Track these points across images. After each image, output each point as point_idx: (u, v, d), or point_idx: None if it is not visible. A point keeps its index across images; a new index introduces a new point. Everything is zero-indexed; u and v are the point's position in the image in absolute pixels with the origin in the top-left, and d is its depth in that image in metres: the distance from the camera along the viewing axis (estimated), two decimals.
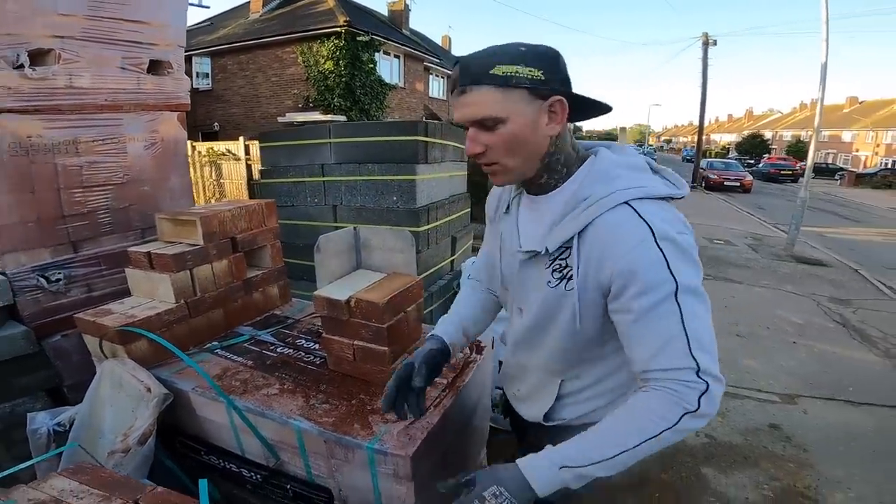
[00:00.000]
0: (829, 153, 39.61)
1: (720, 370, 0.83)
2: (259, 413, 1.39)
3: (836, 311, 5.12)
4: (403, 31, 19.04)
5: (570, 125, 0.96)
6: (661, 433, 0.81)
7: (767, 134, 50.70)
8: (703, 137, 21.61)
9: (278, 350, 1.73)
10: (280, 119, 14.57)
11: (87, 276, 1.98)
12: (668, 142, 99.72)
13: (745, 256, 7.71)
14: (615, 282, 0.86)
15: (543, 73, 0.84)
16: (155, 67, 2.11)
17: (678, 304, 0.82)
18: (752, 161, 35.16)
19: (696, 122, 21.46)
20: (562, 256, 0.94)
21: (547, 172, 0.94)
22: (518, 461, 0.91)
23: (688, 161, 36.26)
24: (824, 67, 7.86)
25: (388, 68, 16.16)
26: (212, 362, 1.62)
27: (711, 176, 19.58)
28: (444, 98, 22.28)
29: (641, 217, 0.84)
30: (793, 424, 2.90)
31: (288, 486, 1.47)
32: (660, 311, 0.83)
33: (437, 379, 1.52)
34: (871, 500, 2.26)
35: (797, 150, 37.94)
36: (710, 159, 24.66)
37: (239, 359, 1.66)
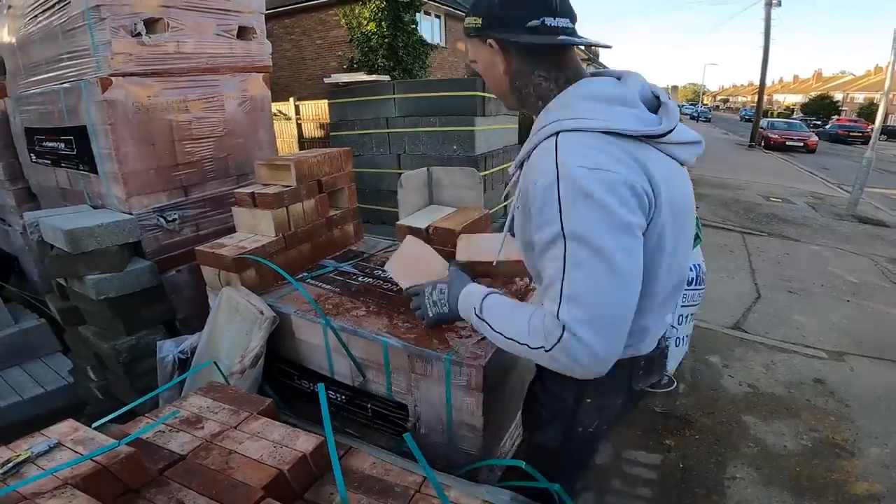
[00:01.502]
0: None
1: (607, 332, 0.81)
2: (351, 332, 1.58)
3: (894, 271, 4.94)
4: None
5: (543, 64, 0.95)
6: (522, 343, 0.90)
7: (838, 96, 46.74)
8: (766, 98, 20.24)
9: (360, 279, 1.95)
10: (325, 80, 14.72)
11: (196, 216, 2.28)
12: (725, 101, 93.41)
13: (804, 215, 7.43)
14: (529, 207, 0.89)
15: (482, 19, 0.94)
16: (242, 33, 2.31)
17: (564, 249, 0.81)
18: (818, 122, 32.67)
19: (757, 83, 20.08)
20: (516, 181, 1.03)
21: (524, 104, 1.01)
22: (467, 286, 1.11)
23: (746, 121, 34.07)
24: None
25: (430, 28, 15.90)
26: (306, 289, 1.82)
27: (772, 135, 18.43)
28: None
29: (556, 150, 0.83)
30: (837, 380, 2.93)
31: (368, 406, 1.65)
32: (548, 252, 0.85)
33: None
34: None
35: (869, 112, 34.75)
36: (771, 119, 23.13)
37: (328, 287, 1.88)
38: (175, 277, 2.23)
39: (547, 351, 0.84)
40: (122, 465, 0.93)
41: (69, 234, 1.91)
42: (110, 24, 1.87)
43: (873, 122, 8.26)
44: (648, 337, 1.05)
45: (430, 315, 1.22)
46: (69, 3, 1.95)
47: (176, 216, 2.18)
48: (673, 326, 1.18)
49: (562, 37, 0.90)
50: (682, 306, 2.57)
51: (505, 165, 3.51)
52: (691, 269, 2.55)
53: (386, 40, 13.52)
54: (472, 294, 1.07)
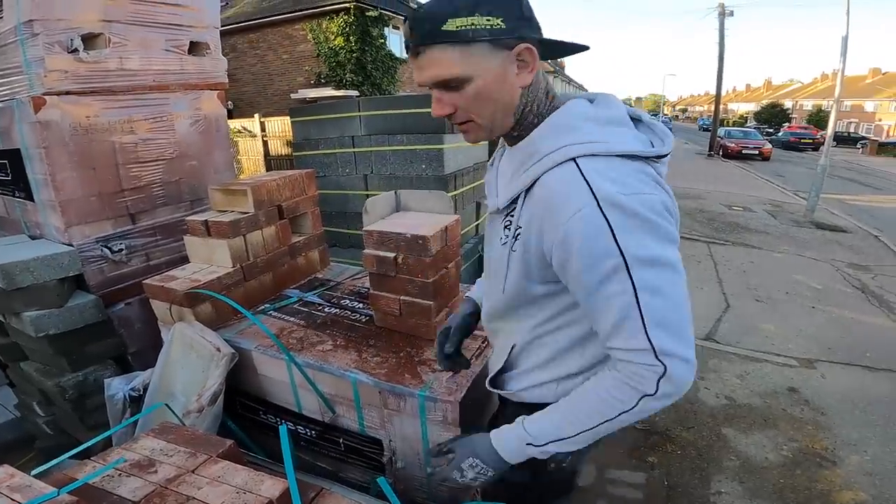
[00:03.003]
0: (850, 122, 38.47)
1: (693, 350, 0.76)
2: (317, 367, 1.51)
3: (855, 276, 5.11)
4: (411, 4, 18.69)
5: (542, 72, 0.84)
6: (618, 416, 0.80)
7: (787, 103, 49.27)
8: (721, 107, 21.10)
9: (326, 310, 1.86)
10: (293, 95, 14.56)
11: (146, 245, 2.12)
12: (684, 111, 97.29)
13: (764, 222, 7.66)
14: (555, 254, 0.78)
15: (504, 19, 0.74)
16: (195, 48, 2.19)
17: (631, 278, 0.72)
18: (770, 130, 34.29)
19: (713, 92, 20.96)
20: (511, 213, 0.87)
21: (521, 125, 0.86)
22: (491, 434, 0.95)
23: (704, 130, 35.46)
24: (845, 40, 7.90)
25: (399, 42, 15.96)
26: (267, 323, 1.75)
27: (729, 144, 19.19)
28: None
29: (585, 178, 0.73)
30: (811, 388, 2.97)
31: (340, 440, 1.59)
32: (609, 288, 0.74)
33: (476, 332, 1.65)
34: (886, 463, 2.32)
35: (818, 119, 36.87)
36: (727, 128, 24.12)
37: (292, 319, 1.79)
38: (124, 311, 2.07)
39: (652, 395, 0.76)
40: None
41: (2, 269, 1.75)
42: (44, 40, 1.73)
43: (822, 129, 8.71)
44: None
45: (476, 483, 0.99)
46: (1, 17, 1.81)
47: (122, 246, 2.02)
48: None
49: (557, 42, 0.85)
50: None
51: (476, 183, 3.45)
52: None
53: (354, 55, 13.50)
54: (507, 436, 0.93)
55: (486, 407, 1.61)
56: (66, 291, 1.92)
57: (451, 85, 0.79)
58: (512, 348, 1.00)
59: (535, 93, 0.83)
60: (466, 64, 0.76)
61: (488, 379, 1.08)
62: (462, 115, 0.83)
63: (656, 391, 0.75)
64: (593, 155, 0.76)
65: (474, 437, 0.99)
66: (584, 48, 0.89)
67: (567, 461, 1.03)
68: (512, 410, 1.03)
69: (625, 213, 0.72)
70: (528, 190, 0.82)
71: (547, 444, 0.87)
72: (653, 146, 0.82)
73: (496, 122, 0.84)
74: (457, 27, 0.73)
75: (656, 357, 0.74)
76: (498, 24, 0.74)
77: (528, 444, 0.88)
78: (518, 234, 0.85)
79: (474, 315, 1.23)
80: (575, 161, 0.76)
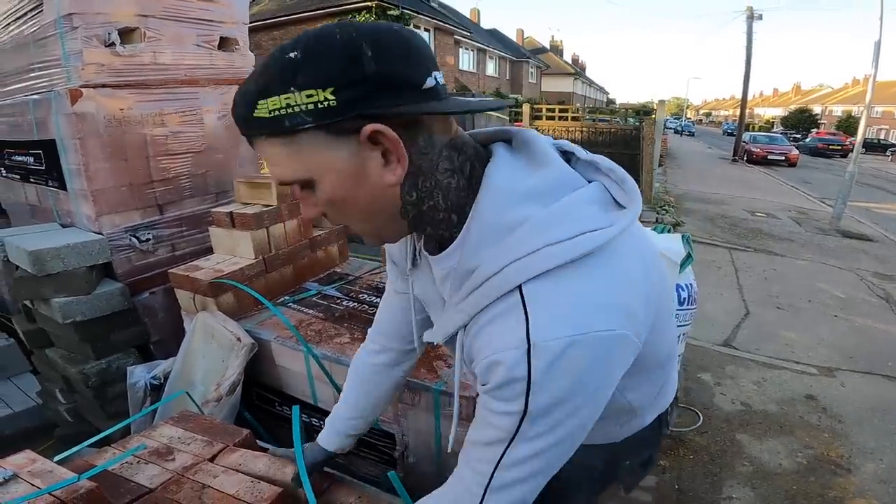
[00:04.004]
0: (881, 129, 37.40)
1: None
2: (335, 360, 1.53)
3: (880, 286, 4.98)
4: (432, 4, 18.75)
5: (438, 142, 0.58)
6: None
7: (816, 109, 48.06)
8: (747, 111, 20.69)
9: (344, 303, 1.89)
10: None
11: (172, 236, 2.18)
12: (708, 115, 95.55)
13: (788, 230, 7.49)
14: (480, 371, 0.59)
15: (334, 90, 0.49)
16: (224, 44, 2.25)
17: (517, 430, 0.57)
18: (798, 136, 33.51)
19: (738, 96, 20.54)
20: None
21: (427, 226, 0.63)
22: None
23: (729, 134, 34.77)
24: (878, 45, 7.68)
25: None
26: (287, 314, 1.77)
27: (754, 149, 18.78)
28: (475, 71, 21.97)
29: (526, 315, 0.54)
30: (829, 396, 2.91)
31: None
32: (490, 420, 0.59)
33: None
34: None
35: (847, 125, 35.81)
36: (753, 133, 23.64)
37: (310, 311, 1.82)
38: (149, 300, 2.13)
39: None
40: (81, 501, 0.87)
41: (34, 255, 1.81)
42: (82, 34, 1.80)
43: (851, 135, 8.47)
44: (671, 384, 0.90)
45: None
46: (42, 11, 1.87)
47: (150, 236, 2.09)
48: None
49: (459, 99, 0.66)
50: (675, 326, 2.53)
51: None
52: (683, 289, 2.53)
53: None
54: None
55: None
56: (95, 279, 1.97)
57: (300, 186, 0.58)
58: None
59: (426, 184, 0.58)
60: (297, 161, 0.54)
61: None
62: (335, 219, 0.62)
63: None
64: (543, 273, 0.54)
65: None
66: (500, 107, 0.70)
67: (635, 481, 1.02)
68: None
69: (553, 362, 0.53)
70: (465, 326, 0.62)
71: None
72: (612, 198, 0.62)
73: (380, 232, 0.64)
74: (269, 112, 0.50)
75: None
76: (325, 101, 0.49)
77: None
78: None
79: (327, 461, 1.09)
80: (520, 289, 0.55)
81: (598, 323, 0.54)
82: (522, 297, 0.55)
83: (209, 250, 1.97)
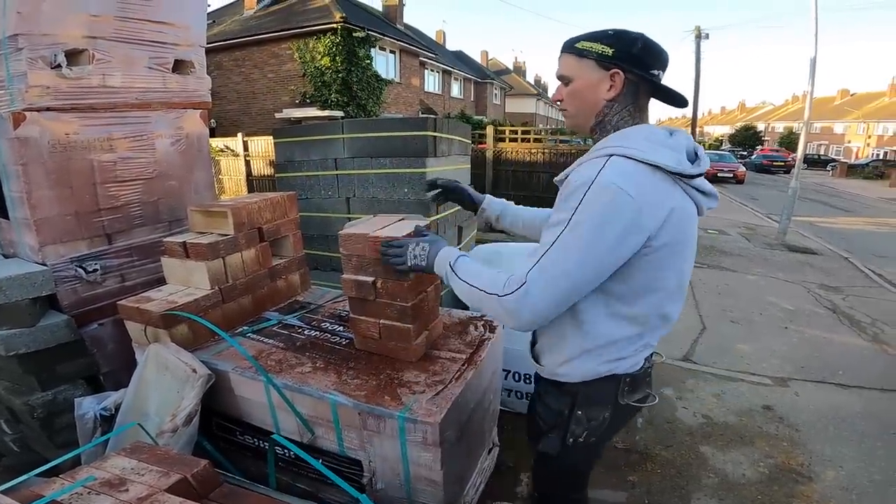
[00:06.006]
0: (821, 144, 39.96)
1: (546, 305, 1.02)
2: (296, 389, 1.50)
3: (827, 297, 5.26)
4: (398, 26, 19.02)
5: (635, 102, 1.11)
6: (481, 290, 1.09)
7: (760, 126, 50.73)
8: (697, 130, 21.71)
9: (306, 332, 1.84)
10: (277, 115, 14.57)
11: (121, 266, 2.08)
12: None
13: (739, 245, 7.85)
14: (565, 189, 1.05)
15: (614, 51, 1.04)
16: (179, 67, 2.19)
17: (564, 230, 0.99)
18: (745, 153, 35.38)
19: (690, 115, 21.57)
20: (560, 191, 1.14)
21: (600, 129, 1.13)
22: (446, 247, 1.28)
23: None
24: (813, 62, 7.97)
25: (384, 64, 16.17)
26: (246, 345, 1.73)
27: None
28: (440, 92, 22.29)
29: (604, 166, 1.00)
30: (785, 406, 3.01)
31: (320, 461, 1.54)
32: (551, 228, 1.03)
33: (456, 355, 1.66)
34: (861, 478, 2.36)
35: (789, 141, 38.13)
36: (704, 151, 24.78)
37: (270, 341, 1.77)
38: (98, 331, 2.03)
39: (500, 296, 1.04)
40: None
41: None
42: (27, 55, 1.73)
43: (793, 151, 8.94)
44: (653, 336, 1.19)
45: (409, 264, 1.33)
46: None
47: (97, 266, 1.99)
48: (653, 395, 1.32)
49: (664, 87, 1.10)
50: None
51: (458, 208, 3.47)
52: None
53: (340, 75, 13.61)
54: (450, 252, 1.25)
55: (470, 424, 1.62)
56: (39, 311, 1.88)
57: (564, 80, 1.14)
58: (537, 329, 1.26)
59: (617, 110, 1.10)
60: (575, 69, 1.10)
61: (531, 352, 1.32)
62: (562, 103, 1.16)
63: (503, 296, 1.03)
64: (624, 157, 1.01)
65: (443, 241, 1.33)
66: (683, 103, 1.13)
67: (583, 437, 1.23)
68: (544, 387, 1.29)
69: (598, 194, 0.97)
70: (571, 174, 1.08)
71: (456, 275, 1.17)
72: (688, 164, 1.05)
73: (579, 118, 1.15)
74: (581, 46, 1.08)
75: (524, 280, 1.01)
76: (606, 52, 1.05)
77: (449, 266, 1.20)
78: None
79: (474, 199, 1.58)
80: (610, 156, 1.02)
81: (633, 189, 0.96)
82: (607, 160, 1.01)
83: (162, 280, 1.88)
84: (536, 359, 1.29)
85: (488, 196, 1.59)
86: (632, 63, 1.05)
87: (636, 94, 1.09)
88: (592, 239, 0.97)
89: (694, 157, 1.08)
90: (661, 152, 1.02)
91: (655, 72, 1.07)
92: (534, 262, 1.02)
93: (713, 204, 1.12)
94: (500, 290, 1.04)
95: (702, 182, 1.08)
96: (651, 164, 1.00)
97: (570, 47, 1.10)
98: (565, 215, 0.99)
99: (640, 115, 1.11)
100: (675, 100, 1.13)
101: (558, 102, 1.16)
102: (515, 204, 1.58)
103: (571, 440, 1.24)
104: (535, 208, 1.54)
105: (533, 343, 1.32)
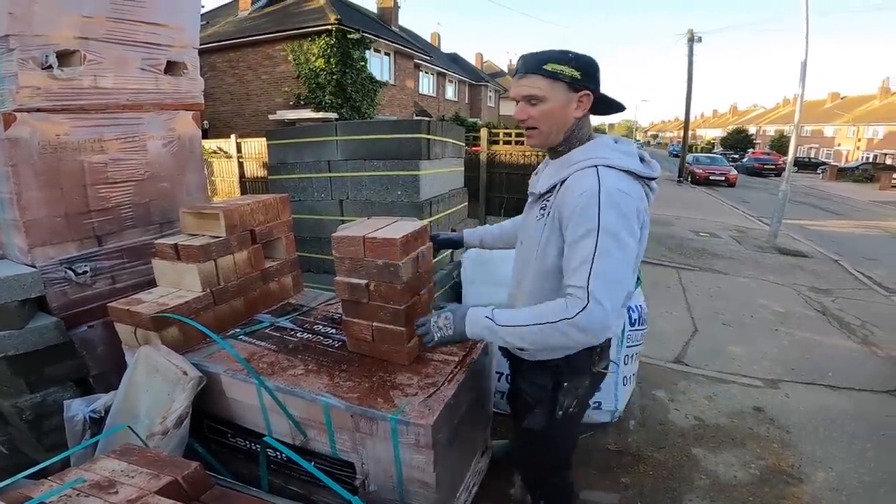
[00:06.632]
0: (811, 148, 40.28)
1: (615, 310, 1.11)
2: (288, 392, 1.50)
3: (817, 300, 5.31)
4: (393, 28, 19.05)
5: (590, 122, 1.31)
6: (545, 323, 1.13)
7: (752, 129, 50.99)
8: (689, 133, 21.85)
9: (298, 335, 1.84)
10: (271, 117, 14.52)
11: (111, 268, 2.06)
12: (655, 137, 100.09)
13: (730, 248, 7.90)
14: (564, 217, 1.19)
15: (581, 74, 1.20)
16: (171, 68, 2.18)
17: (596, 241, 1.10)
18: (736, 156, 35.59)
19: (683, 118, 21.71)
20: (548, 198, 1.28)
21: (566, 143, 1.28)
22: (471, 307, 1.30)
23: (674, 156, 36.62)
24: (804, 65, 8.05)
25: (379, 65, 16.18)
26: (238, 347, 1.72)
27: (697, 170, 19.85)
28: (435, 95, 22.33)
29: (598, 175, 1.16)
30: (775, 407, 3.03)
31: (312, 463, 1.55)
32: (582, 242, 1.13)
33: (448, 357, 1.66)
34: (851, 479, 2.38)
35: (780, 144, 38.33)
36: (695, 154, 24.95)
37: (262, 343, 1.77)
38: (87, 333, 2.01)
39: (570, 319, 1.09)
40: None
41: None
42: (18, 56, 1.72)
43: (784, 154, 8.98)
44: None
45: (436, 338, 1.36)
46: None
47: (87, 268, 1.97)
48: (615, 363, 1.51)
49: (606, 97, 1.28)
50: (627, 346, 2.60)
51: (451, 210, 3.47)
52: (634, 311, 2.60)
53: (334, 77, 13.58)
54: (479, 311, 1.28)
55: (462, 426, 1.62)
56: (27, 313, 1.86)
57: (532, 101, 1.23)
58: None
59: (581, 127, 1.27)
60: (547, 90, 1.21)
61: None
62: (531, 122, 1.26)
63: (573, 317, 1.09)
64: (608, 167, 1.18)
65: (463, 305, 1.35)
66: (622, 108, 1.31)
67: (572, 406, 1.38)
68: (528, 367, 1.43)
69: (612, 200, 1.12)
70: (562, 182, 1.23)
71: (501, 327, 1.21)
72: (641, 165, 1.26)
73: (551, 135, 1.27)
74: (552, 68, 1.19)
75: (587, 294, 1.09)
76: (576, 76, 1.19)
77: (487, 320, 1.23)
78: (550, 211, 1.25)
79: (457, 241, 1.88)
80: (596, 167, 1.18)
81: (632, 193, 1.18)
82: (597, 170, 1.17)
83: (152, 282, 1.87)
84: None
85: (466, 231, 1.88)
86: (595, 84, 1.23)
87: (591, 109, 1.27)
88: (625, 238, 1.13)
89: (641, 160, 1.27)
90: (627, 160, 1.22)
91: (599, 91, 1.25)
92: (584, 276, 1.10)
93: (654, 196, 1.32)
94: (565, 313, 1.10)
95: (655, 182, 1.30)
96: (626, 171, 1.20)
97: (538, 69, 1.20)
98: (591, 225, 1.11)
99: (589, 126, 1.31)
100: (614, 107, 1.31)
101: (524, 121, 1.26)
102: (512, 205, 1.88)
103: (561, 412, 1.39)
104: (499, 224, 1.82)
105: None
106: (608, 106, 1.30)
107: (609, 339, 1.43)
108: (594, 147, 1.24)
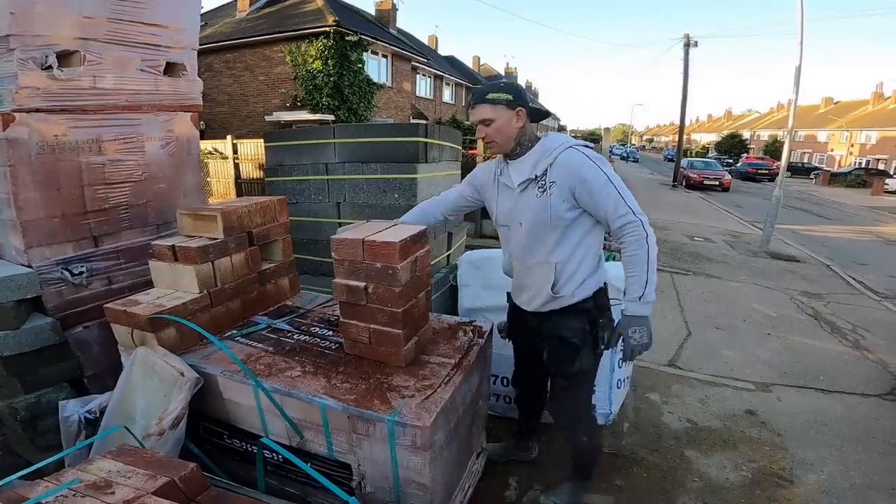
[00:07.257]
0: (804, 153, 40.49)
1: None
2: (285, 393, 1.50)
3: (809, 304, 5.36)
4: (391, 30, 19.07)
5: (531, 127, 1.72)
6: (648, 253, 1.57)
7: (746, 134, 51.15)
8: (684, 137, 21.94)
9: (295, 337, 1.84)
10: (268, 118, 14.50)
11: (108, 269, 2.06)
12: (651, 141, 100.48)
13: (723, 253, 7.97)
14: (577, 188, 1.58)
15: (513, 96, 1.63)
16: (170, 69, 2.19)
17: (612, 183, 1.57)
18: (730, 160, 35.77)
19: (678, 122, 21.82)
20: (542, 178, 1.63)
21: (519, 147, 1.68)
22: (630, 311, 1.63)
23: (669, 160, 36.76)
24: (798, 70, 8.12)
25: (376, 68, 16.19)
26: (235, 349, 1.73)
27: (692, 175, 19.97)
28: (432, 97, 22.36)
29: (580, 152, 1.61)
30: (767, 411, 3.06)
31: (309, 465, 1.56)
32: (604, 191, 1.56)
33: (445, 360, 1.68)
34: (841, 481, 2.40)
35: (774, 149, 38.53)
36: (690, 159, 25.09)
37: (259, 345, 1.77)
38: (83, 334, 2.01)
39: (647, 236, 1.58)
40: None
41: None
42: (19, 56, 1.72)
43: (778, 159, 9.04)
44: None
45: (651, 346, 1.71)
46: None
47: (83, 269, 1.97)
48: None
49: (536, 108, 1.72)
50: (622, 350, 2.61)
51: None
52: None
53: (332, 79, 13.57)
54: (635, 306, 1.63)
55: (459, 428, 1.63)
56: (23, 313, 1.86)
57: (486, 122, 1.64)
58: (556, 266, 1.67)
59: (525, 133, 1.68)
60: (493, 113, 1.62)
61: (550, 291, 1.69)
62: (489, 137, 1.66)
63: (646, 234, 1.57)
64: (577, 146, 1.63)
65: (626, 320, 1.65)
66: (547, 114, 1.78)
67: (607, 338, 1.74)
68: (556, 320, 1.74)
69: (597, 160, 1.59)
70: (550, 165, 1.61)
71: (649, 290, 1.60)
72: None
73: (505, 145, 1.67)
74: (492, 97, 1.62)
75: (633, 214, 1.56)
76: (510, 98, 1.62)
77: (642, 301, 1.61)
78: (552, 184, 1.61)
79: None
80: (573, 147, 1.63)
81: (599, 158, 1.63)
82: (576, 149, 1.63)
83: (149, 283, 1.87)
84: (556, 293, 1.68)
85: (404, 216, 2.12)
86: (525, 101, 1.64)
87: (529, 118, 1.67)
88: (616, 176, 1.60)
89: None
90: (578, 142, 1.68)
91: (532, 103, 1.68)
92: (624, 206, 1.55)
93: None
94: (642, 235, 1.56)
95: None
96: (585, 146, 1.66)
97: (483, 99, 1.63)
98: (602, 178, 1.56)
99: (533, 130, 1.71)
100: (542, 113, 1.73)
101: (484, 138, 1.66)
102: None
103: (604, 345, 1.75)
104: (432, 199, 2.15)
105: (553, 286, 1.69)
106: (542, 114, 1.73)
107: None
108: (554, 138, 1.67)
